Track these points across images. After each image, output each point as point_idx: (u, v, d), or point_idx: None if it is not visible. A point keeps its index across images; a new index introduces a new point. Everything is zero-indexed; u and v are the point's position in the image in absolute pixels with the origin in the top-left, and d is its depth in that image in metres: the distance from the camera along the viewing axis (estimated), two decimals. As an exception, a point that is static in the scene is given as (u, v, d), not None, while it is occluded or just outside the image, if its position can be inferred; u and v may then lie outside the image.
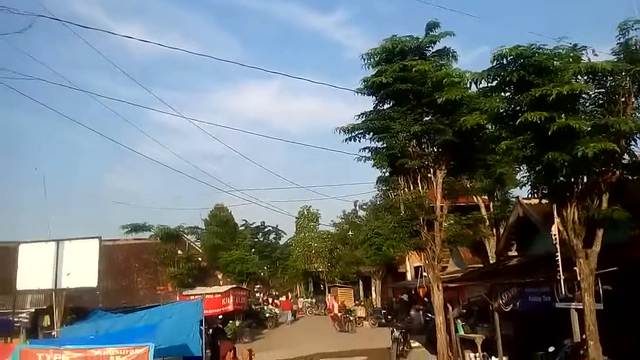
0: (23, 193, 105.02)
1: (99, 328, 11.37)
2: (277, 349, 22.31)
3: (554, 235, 10.55)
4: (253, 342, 24.83)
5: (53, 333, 14.59)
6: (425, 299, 25.05)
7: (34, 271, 14.44)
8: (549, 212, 11.51)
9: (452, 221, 17.58)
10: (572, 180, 10.21)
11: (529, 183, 11.10)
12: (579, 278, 10.00)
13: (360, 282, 42.57)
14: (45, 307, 21.41)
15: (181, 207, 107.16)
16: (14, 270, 15.16)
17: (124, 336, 8.89)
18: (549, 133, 9.13)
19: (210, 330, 15.64)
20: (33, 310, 22.56)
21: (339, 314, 30.91)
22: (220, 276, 32.25)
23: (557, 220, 10.45)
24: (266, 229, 64.06)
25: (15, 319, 20.66)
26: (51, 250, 14.33)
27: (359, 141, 16.76)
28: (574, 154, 9.21)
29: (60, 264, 14.17)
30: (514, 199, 21.40)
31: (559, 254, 10.39)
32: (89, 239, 14.66)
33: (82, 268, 14.27)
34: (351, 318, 29.52)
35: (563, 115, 9.44)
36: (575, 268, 10.09)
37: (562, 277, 10.40)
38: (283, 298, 49.41)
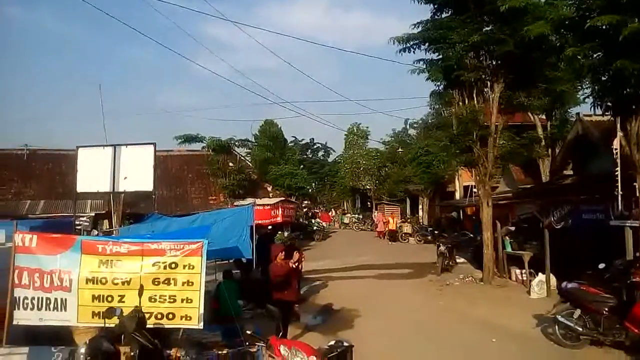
0: (82, 104, 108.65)
1: (154, 228, 11.81)
2: (325, 259, 22.87)
3: (615, 149, 10.12)
4: (301, 253, 25.53)
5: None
6: (474, 217, 24.93)
7: (92, 175, 14.97)
8: (610, 129, 11.03)
9: (506, 138, 17.01)
10: None
11: (592, 95, 10.53)
12: (638, 194, 9.65)
13: (408, 200, 42.74)
14: (104, 212, 22.34)
15: (232, 119, 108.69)
16: (75, 175, 15.82)
17: (179, 235, 9.21)
18: (620, 39, 8.52)
19: (257, 236, 16.02)
20: (93, 214, 23.54)
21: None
22: (269, 189, 32.84)
23: (619, 134, 9.99)
24: (315, 146, 64.50)
25: (77, 222, 21.72)
26: (108, 155, 14.80)
27: (414, 52, 16.24)
28: (645, 61, 8.62)
29: (118, 168, 14.63)
30: (572, 118, 20.55)
31: (618, 168, 10.00)
32: (144, 144, 15.03)
33: (138, 172, 14.71)
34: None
35: (636, 19, 8.75)
36: (635, 184, 9.73)
37: (620, 193, 10.05)
38: (328, 213, 50.28)
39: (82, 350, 5.17)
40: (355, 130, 51.50)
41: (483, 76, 15.85)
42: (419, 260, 21.85)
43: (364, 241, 34.37)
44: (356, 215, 49.05)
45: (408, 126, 46.31)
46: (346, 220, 48.52)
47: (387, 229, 34.15)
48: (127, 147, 14.89)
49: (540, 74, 15.27)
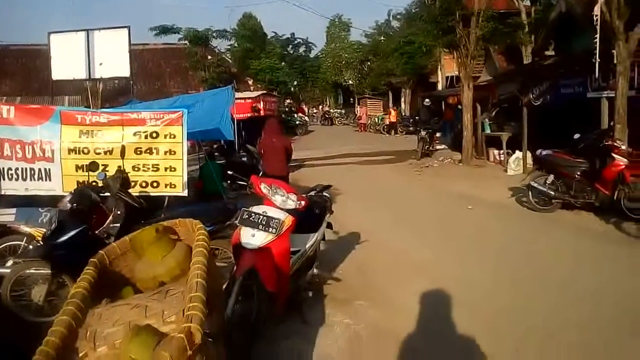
0: None
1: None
2: (307, 150, 23.11)
3: (595, 16, 10.03)
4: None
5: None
6: (459, 106, 24.97)
7: (67, 61, 14.65)
8: (593, 4, 10.82)
9: (488, 16, 16.63)
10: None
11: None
12: (615, 61, 9.71)
13: (390, 94, 42.58)
14: (82, 107, 21.95)
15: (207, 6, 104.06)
16: (49, 63, 15.41)
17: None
18: None
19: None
20: (72, 109, 23.13)
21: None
22: (250, 82, 32.36)
23: (601, 0, 9.86)
24: (296, 41, 62.73)
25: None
26: (82, 41, 14.41)
27: None
28: None
29: (92, 54, 14.31)
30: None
31: (597, 36, 9.98)
32: (118, 28, 14.65)
33: (114, 58, 14.45)
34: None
35: None
36: (613, 51, 9.76)
37: (598, 61, 10.09)
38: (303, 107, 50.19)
39: (68, 198, 5.29)
40: (337, 22, 50.17)
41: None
42: (400, 148, 22.18)
43: (346, 134, 34.63)
44: (338, 111, 48.91)
45: (391, 18, 45.10)
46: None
47: (388, 121, 33.95)
48: (100, 31, 14.56)
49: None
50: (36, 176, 7.31)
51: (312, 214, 5.24)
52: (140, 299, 2.66)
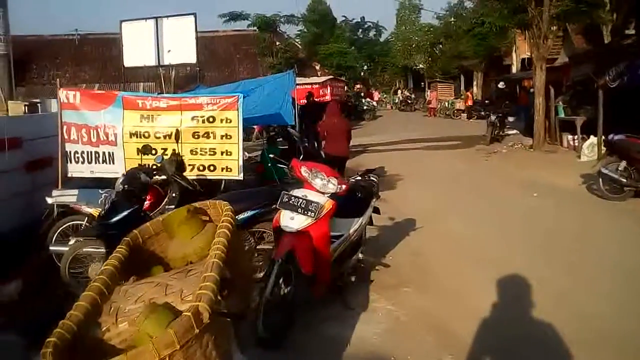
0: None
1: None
2: (373, 135, 22.96)
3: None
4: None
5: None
6: (531, 89, 23.96)
7: (137, 49, 15.32)
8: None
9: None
10: None
11: None
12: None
13: (462, 77, 41.40)
14: (156, 93, 22.70)
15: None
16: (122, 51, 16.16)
17: (220, 96, 9.38)
18: None
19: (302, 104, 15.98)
20: (145, 95, 23.95)
21: None
22: (318, 67, 32.36)
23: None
24: (366, 25, 61.95)
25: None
26: (151, 29, 14.99)
27: None
28: None
29: (161, 41, 14.89)
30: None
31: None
32: (184, 15, 15.12)
33: (181, 45, 14.97)
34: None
35: None
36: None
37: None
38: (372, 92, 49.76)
39: (120, 180, 5.51)
40: (407, 5, 49.15)
41: None
42: (470, 134, 21.56)
43: (414, 119, 33.99)
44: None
45: (464, -2, 43.56)
46: (397, 100, 47.68)
47: (464, 105, 33.11)
48: (168, 19, 15.05)
49: None
50: (100, 159, 7.66)
51: (356, 198, 5.19)
52: (163, 277, 2.71)
